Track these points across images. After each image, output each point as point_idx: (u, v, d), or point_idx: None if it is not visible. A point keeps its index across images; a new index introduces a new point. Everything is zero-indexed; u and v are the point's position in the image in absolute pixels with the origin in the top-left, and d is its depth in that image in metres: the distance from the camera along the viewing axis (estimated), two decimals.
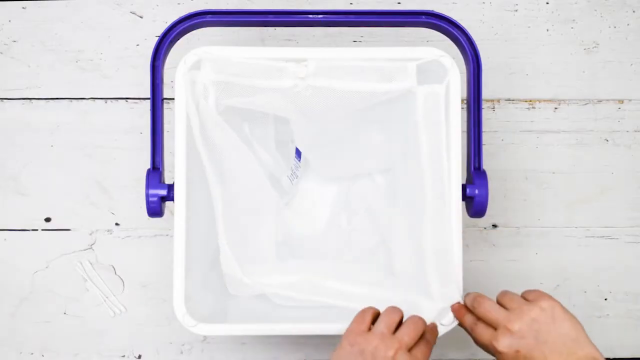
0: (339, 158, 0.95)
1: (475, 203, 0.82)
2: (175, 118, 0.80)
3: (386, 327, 0.71)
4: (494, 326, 0.72)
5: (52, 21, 1.03)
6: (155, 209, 0.82)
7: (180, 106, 0.80)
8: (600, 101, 1.02)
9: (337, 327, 0.79)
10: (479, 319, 0.74)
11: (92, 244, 1.01)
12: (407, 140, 0.86)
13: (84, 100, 1.02)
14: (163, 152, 0.83)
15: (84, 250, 1.01)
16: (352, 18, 0.83)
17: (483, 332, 0.73)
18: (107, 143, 1.01)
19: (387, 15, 0.83)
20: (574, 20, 1.03)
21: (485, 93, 1.01)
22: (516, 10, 1.03)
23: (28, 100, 1.02)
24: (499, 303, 0.73)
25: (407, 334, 0.71)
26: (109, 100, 1.02)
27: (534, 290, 0.73)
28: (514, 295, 0.73)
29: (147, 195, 0.81)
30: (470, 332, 0.75)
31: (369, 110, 0.87)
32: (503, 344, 0.70)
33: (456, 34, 0.82)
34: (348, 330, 0.71)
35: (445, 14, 0.82)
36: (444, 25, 0.82)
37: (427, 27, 0.83)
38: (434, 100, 0.81)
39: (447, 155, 0.80)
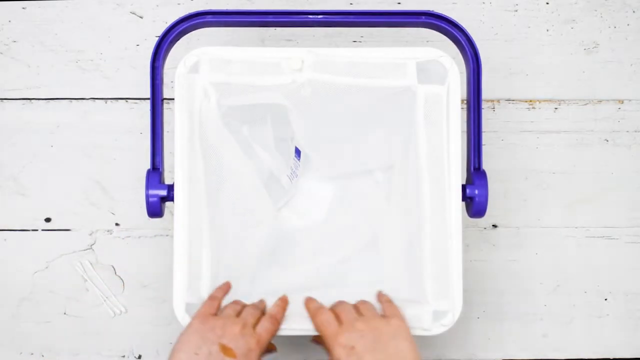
0: (340, 156, 0.95)
1: (475, 203, 0.82)
2: (175, 119, 0.80)
3: (232, 310, 0.77)
4: (340, 321, 0.76)
5: (52, 21, 1.03)
6: (155, 209, 0.82)
7: (180, 107, 0.80)
8: (600, 101, 1.02)
9: None
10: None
11: (92, 244, 1.01)
12: (407, 139, 0.86)
13: (84, 100, 1.02)
14: (163, 152, 0.83)
15: (84, 250, 1.01)
16: (351, 18, 0.83)
17: (329, 320, 0.76)
18: (107, 143, 1.01)
19: (387, 16, 0.83)
20: (574, 20, 1.03)
21: (485, 93, 1.01)
22: (516, 11, 1.03)
23: (28, 101, 1.02)
24: (355, 308, 0.78)
25: (250, 314, 0.77)
26: (109, 101, 1.02)
27: (393, 307, 0.77)
28: (370, 306, 0.78)
29: (147, 196, 0.81)
30: (312, 317, 0.78)
31: (370, 108, 0.87)
32: (344, 336, 0.73)
33: (456, 34, 0.82)
34: (199, 313, 0.76)
35: (445, 15, 0.82)
36: (444, 26, 0.82)
37: (427, 28, 0.83)
38: (435, 101, 0.81)
39: (447, 155, 0.80)
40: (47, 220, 1.01)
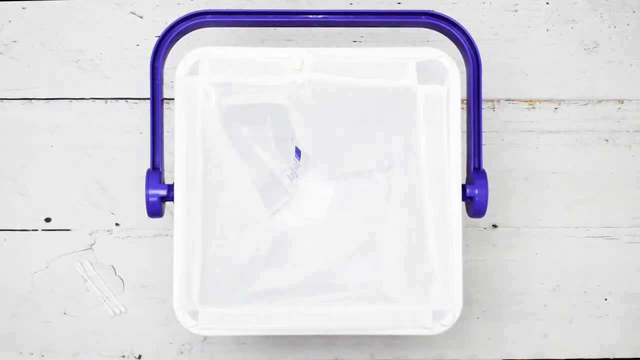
0: (340, 156, 0.95)
1: (475, 203, 0.82)
2: (175, 119, 0.80)
3: None
4: None
5: (52, 21, 1.03)
6: (155, 209, 0.82)
7: (180, 107, 0.80)
8: (600, 101, 1.02)
9: (338, 326, 0.79)
10: None
11: (92, 244, 1.01)
12: (407, 139, 0.86)
13: (84, 100, 1.02)
14: (163, 152, 0.83)
15: (84, 250, 1.01)
16: (352, 18, 0.83)
17: None
18: (107, 143, 1.01)
19: (387, 16, 0.83)
20: (574, 20, 1.03)
21: (485, 93, 1.01)
22: (516, 11, 1.03)
23: (28, 101, 1.02)
24: None
25: None
26: (109, 101, 1.02)
27: None
28: None
29: (147, 196, 0.81)
30: None
31: (370, 108, 0.87)
32: None
33: (456, 34, 0.82)
34: None
35: (445, 14, 0.82)
36: (444, 26, 0.82)
37: (427, 27, 0.83)
38: (435, 101, 0.81)
39: (447, 155, 0.80)
40: (47, 220, 1.01)
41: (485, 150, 1.01)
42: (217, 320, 0.80)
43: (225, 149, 0.85)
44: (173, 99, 0.97)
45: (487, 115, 1.02)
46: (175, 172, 0.80)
